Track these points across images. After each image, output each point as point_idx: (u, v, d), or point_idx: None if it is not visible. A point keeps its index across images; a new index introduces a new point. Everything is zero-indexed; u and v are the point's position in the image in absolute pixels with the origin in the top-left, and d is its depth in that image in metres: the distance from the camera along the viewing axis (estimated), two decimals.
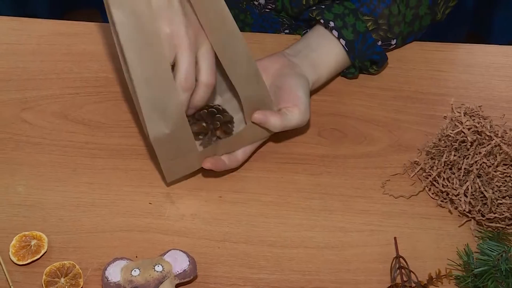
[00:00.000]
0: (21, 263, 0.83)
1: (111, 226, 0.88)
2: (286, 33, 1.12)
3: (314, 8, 1.00)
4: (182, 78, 0.83)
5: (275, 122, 0.88)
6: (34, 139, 0.96)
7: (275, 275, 0.84)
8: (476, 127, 0.88)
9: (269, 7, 1.09)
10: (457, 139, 0.88)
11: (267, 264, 0.85)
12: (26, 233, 0.86)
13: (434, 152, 0.92)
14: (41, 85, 1.01)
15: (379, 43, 0.99)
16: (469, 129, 0.88)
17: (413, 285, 0.82)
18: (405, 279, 0.82)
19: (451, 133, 0.89)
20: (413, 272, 0.83)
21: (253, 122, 0.89)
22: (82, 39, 1.07)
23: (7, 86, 1.01)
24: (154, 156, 0.93)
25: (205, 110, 0.89)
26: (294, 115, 0.89)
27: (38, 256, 0.84)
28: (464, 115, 0.89)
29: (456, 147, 0.89)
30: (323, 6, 1.00)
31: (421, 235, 0.88)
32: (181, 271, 0.81)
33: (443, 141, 0.90)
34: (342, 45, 0.97)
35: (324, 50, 0.98)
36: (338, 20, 0.97)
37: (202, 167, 0.89)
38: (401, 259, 0.84)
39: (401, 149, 0.96)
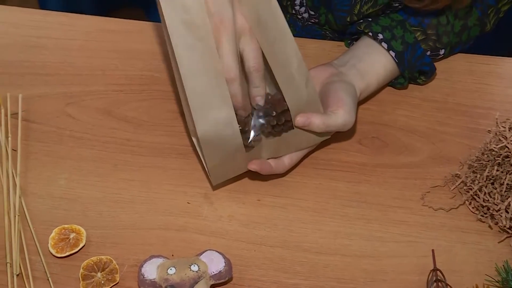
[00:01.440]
0: (59, 255, 0.84)
1: (149, 224, 0.88)
2: None
3: (362, 21, 1.00)
4: (224, 70, 0.82)
5: (318, 122, 0.87)
6: (77, 134, 0.97)
7: (309, 281, 0.84)
8: None
9: (312, 20, 1.09)
10: (501, 154, 0.87)
11: (302, 269, 0.85)
12: (66, 226, 0.86)
13: (476, 166, 0.90)
14: (87, 81, 1.02)
15: (428, 53, 0.99)
16: None
17: None
18: None
19: (494, 147, 0.88)
20: (450, 286, 0.82)
21: (296, 127, 0.88)
22: (129, 37, 1.08)
23: (53, 80, 1.02)
24: (194, 156, 0.94)
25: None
26: (338, 116, 0.88)
27: (76, 250, 0.85)
28: (509, 130, 0.88)
29: (499, 162, 0.87)
30: (370, 19, 0.99)
31: (460, 249, 0.87)
32: (217, 272, 0.81)
33: (486, 155, 0.89)
34: (392, 56, 0.97)
35: (372, 59, 0.97)
36: (386, 32, 0.97)
37: (248, 171, 0.89)
38: (438, 272, 0.83)
39: (443, 161, 0.95)
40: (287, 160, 0.91)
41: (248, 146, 0.87)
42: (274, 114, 0.87)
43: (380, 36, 0.97)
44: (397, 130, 0.98)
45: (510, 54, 1.08)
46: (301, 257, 0.86)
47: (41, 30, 1.09)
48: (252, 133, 0.88)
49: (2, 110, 0.97)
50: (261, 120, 0.88)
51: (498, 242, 0.87)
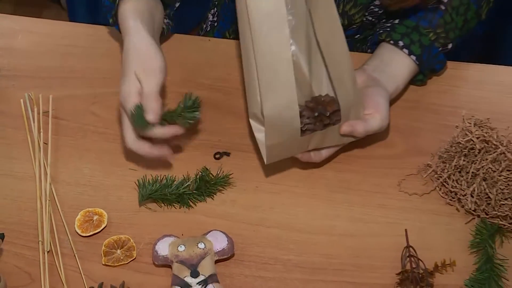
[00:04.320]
0: (84, 234, 0.85)
1: (162, 207, 0.88)
2: None
3: (381, 31, 1.00)
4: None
5: (360, 130, 0.87)
6: (100, 129, 0.97)
7: (301, 257, 0.84)
8: (484, 136, 0.86)
9: None
10: (467, 146, 0.87)
11: (295, 247, 0.85)
12: (90, 209, 0.87)
13: (445, 157, 0.91)
14: (109, 83, 1.02)
15: (440, 49, 0.99)
16: (477, 138, 0.87)
17: (421, 271, 0.81)
18: (413, 266, 0.82)
19: (461, 140, 0.88)
20: (421, 261, 0.82)
21: (341, 135, 0.87)
22: None
23: (80, 83, 1.02)
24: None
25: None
26: (376, 121, 0.88)
27: (99, 230, 0.85)
28: (474, 126, 0.88)
29: (465, 153, 0.87)
30: (388, 29, 0.99)
31: (431, 229, 0.87)
32: (221, 249, 0.82)
33: (454, 148, 0.89)
34: (413, 60, 0.97)
35: (397, 63, 0.97)
36: (405, 38, 0.97)
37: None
38: (410, 248, 0.84)
39: (416, 152, 0.95)
40: (325, 152, 0.90)
41: (302, 131, 0.84)
42: (327, 115, 0.85)
43: (401, 43, 0.97)
44: None
45: (471, 60, 1.08)
46: (294, 236, 0.86)
47: (70, 39, 1.08)
48: (306, 120, 0.85)
49: (36, 109, 0.97)
50: (316, 114, 0.85)
51: (465, 223, 0.88)
